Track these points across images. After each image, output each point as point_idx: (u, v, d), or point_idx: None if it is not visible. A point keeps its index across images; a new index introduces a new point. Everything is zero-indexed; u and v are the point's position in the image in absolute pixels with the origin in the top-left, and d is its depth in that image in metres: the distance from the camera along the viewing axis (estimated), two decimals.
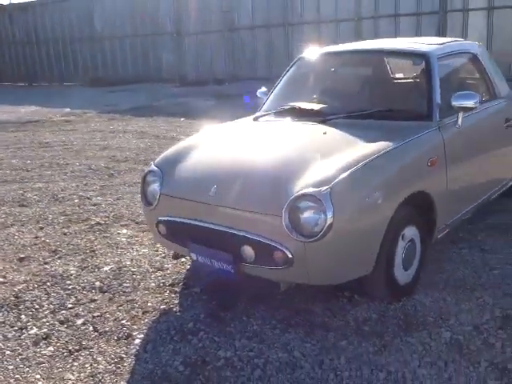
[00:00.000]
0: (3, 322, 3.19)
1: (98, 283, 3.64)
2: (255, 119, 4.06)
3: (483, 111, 3.92)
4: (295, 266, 2.74)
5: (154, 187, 3.36)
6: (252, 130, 3.90)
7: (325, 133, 3.35)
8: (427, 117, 3.42)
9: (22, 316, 3.26)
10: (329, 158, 2.95)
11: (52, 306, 3.35)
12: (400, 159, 3.08)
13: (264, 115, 4.05)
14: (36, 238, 4.50)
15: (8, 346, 2.94)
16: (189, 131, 8.95)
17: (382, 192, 2.88)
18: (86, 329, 3.09)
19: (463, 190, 3.66)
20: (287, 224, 2.70)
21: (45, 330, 3.09)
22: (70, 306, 3.36)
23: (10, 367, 2.76)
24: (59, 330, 3.08)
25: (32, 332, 3.08)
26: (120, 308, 3.30)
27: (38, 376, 2.69)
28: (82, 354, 2.85)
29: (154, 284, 3.59)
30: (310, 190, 2.71)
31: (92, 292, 3.53)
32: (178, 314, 3.18)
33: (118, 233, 4.57)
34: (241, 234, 2.86)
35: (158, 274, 3.74)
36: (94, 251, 4.18)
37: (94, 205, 5.37)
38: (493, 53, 6.26)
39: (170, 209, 3.23)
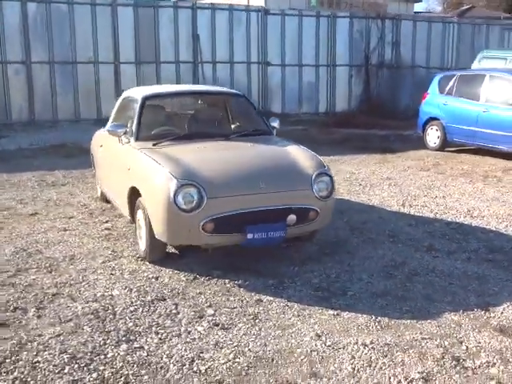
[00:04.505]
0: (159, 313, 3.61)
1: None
2: (154, 145, 4.97)
3: None
4: (319, 217, 4.64)
5: (194, 196, 4.24)
6: (203, 147, 4.99)
7: (252, 145, 5.15)
8: (271, 133, 5.67)
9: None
10: (295, 155, 4.90)
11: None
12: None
13: (161, 141, 5.04)
14: None
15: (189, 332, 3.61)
16: None
17: None
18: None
19: None
20: (315, 192, 4.57)
21: (193, 312, 3.84)
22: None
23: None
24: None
25: (184, 314, 3.81)
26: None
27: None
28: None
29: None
30: (322, 169, 4.71)
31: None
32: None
33: None
34: (287, 207, 4.47)
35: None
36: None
37: None
38: None
39: (220, 207, 4.29)
